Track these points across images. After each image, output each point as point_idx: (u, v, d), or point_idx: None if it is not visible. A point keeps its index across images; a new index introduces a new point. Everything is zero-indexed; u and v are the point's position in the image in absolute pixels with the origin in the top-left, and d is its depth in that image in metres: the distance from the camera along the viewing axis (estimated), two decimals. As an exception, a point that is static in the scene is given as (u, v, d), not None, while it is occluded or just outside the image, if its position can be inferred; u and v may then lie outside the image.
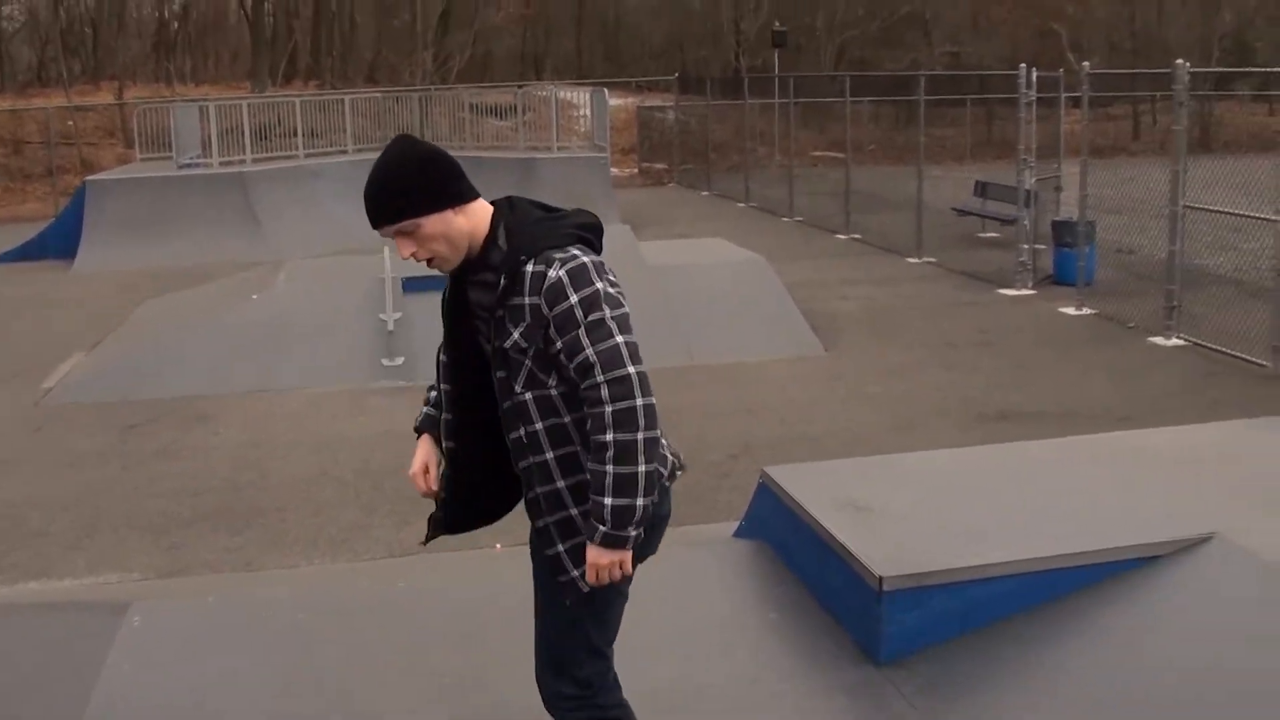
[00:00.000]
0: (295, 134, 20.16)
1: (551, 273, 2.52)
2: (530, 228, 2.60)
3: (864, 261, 15.49)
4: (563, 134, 22.25)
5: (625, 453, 2.49)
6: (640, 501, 2.51)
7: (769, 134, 25.37)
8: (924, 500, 4.59)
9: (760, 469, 5.12)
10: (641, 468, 2.49)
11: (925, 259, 15.31)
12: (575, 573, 2.66)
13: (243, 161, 18.88)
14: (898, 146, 26.47)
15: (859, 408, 8.77)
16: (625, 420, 2.47)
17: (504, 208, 2.67)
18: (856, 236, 17.50)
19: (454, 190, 2.59)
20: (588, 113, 23.33)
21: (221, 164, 18.64)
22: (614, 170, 23.98)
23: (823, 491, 4.67)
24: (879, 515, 4.42)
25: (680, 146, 27.96)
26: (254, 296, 11.04)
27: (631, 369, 2.50)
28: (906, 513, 4.45)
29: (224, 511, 6.87)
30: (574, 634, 2.74)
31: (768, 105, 24.64)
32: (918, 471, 5.00)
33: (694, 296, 10.91)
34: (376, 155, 2.62)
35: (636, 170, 28.90)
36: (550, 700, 2.81)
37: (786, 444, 7.79)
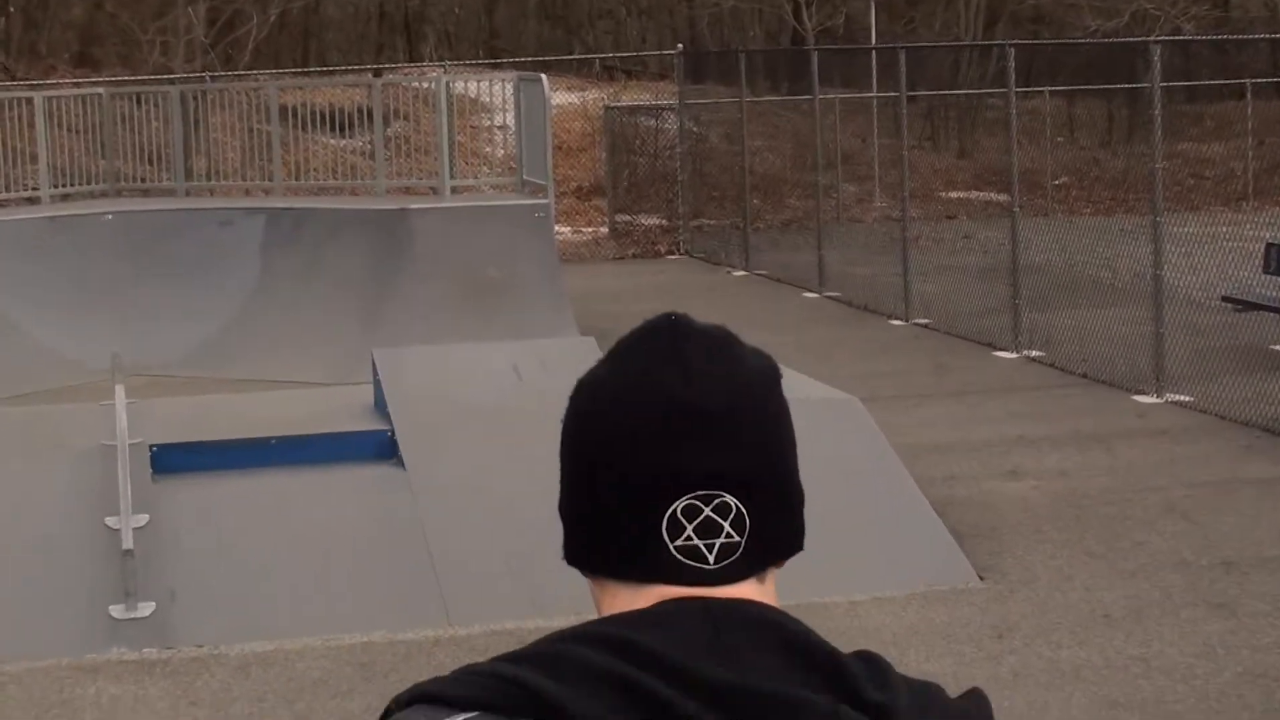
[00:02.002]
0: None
1: None
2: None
3: (1050, 403, 15.60)
4: (462, 162, 22.49)
5: None
6: None
7: (861, 158, 25.75)
8: None
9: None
10: None
11: (1170, 397, 15.40)
12: None
13: None
14: (1110, 181, 26.89)
15: (1049, 693, 8.72)
16: None
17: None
18: (1035, 354, 17.66)
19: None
20: (508, 121, 23.62)
21: None
22: (562, 230, 24.22)
23: None
24: None
25: (691, 184, 28.29)
26: None
27: None
28: None
29: None
30: None
31: (858, 103, 25.04)
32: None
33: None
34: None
35: (606, 229, 29.20)
36: None
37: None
